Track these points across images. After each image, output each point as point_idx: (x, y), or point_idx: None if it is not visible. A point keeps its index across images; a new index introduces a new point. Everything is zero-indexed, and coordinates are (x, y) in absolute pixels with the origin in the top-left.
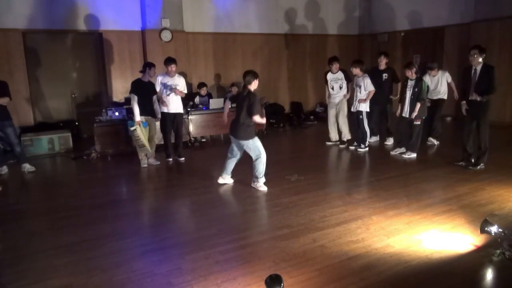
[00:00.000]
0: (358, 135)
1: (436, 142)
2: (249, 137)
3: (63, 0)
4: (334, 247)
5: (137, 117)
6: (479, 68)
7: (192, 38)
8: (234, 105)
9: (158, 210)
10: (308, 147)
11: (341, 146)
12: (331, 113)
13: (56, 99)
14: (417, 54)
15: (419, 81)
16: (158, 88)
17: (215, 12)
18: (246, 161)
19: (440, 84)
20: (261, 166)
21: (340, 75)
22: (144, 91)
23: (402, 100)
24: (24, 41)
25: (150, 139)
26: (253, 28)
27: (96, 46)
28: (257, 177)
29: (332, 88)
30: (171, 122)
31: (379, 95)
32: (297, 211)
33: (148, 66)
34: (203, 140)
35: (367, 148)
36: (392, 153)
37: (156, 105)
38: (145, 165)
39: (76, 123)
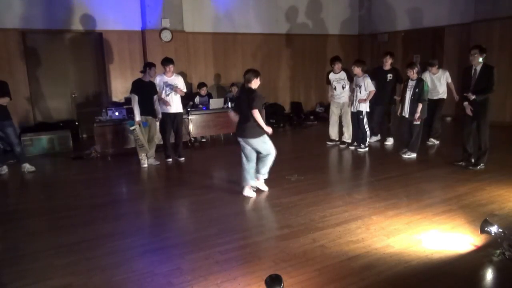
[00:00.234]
0: (358, 135)
1: (436, 142)
2: (259, 134)
3: (63, 0)
4: (334, 247)
5: (137, 116)
6: (479, 68)
7: (192, 38)
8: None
9: (158, 210)
10: (308, 147)
11: (341, 146)
12: (335, 112)
13: (56, 99)
14: (417, 54)
15: (419, 81)
16: (157, 89)
17: (215, 12)
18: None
19: (439, 83)
20: (269, 162)
21: (343, 75)
22: (145, 91)
23: (402, 100)
24: (24, 41)
25: (150, 139)
26: (253, 28)
27: (96, 46)
28: (261, 173)
29: (335, 89)
30: (171, 122)
31: (383, 95)
32: (297, 211)
33: (148, 66)
34: (203, 140)
35: (367, 148)
36: (405, 156)
37: (157, 105)
38: (145, 165)
39: (76, 123)
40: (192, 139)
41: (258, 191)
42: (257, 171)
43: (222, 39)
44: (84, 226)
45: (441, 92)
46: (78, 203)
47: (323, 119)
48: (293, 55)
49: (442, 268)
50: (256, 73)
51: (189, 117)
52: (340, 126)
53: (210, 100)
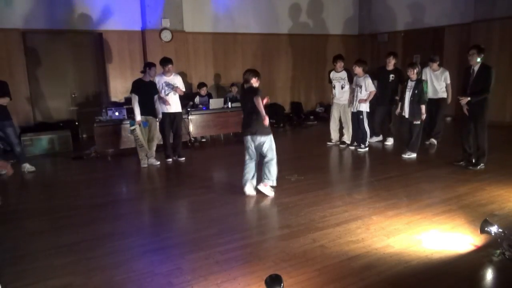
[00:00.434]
0: (358, 135)
1: (435, 142)
2: (268, 132)
3: (63, 0)
4: (334, 247)
5: (138, 116)
6: (477, 68)
7: (192, 38)
8: (234, 104)
9: (158, 210)
10: (308, 147)
11: (341, 146)
12: (335, 114)
13: (56, 99)
14: (417, 54)
15: (419, 83)
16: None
17: (215, 12)
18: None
19: (438, 82)
20: (274, 167)
21: (344, 74)
22: (145, 91)
23: (401, 100)
24: (24, 41)
25: (151, 139)
26: (253, 28)
27: (96, 46)
28: (268, 179)
29: (334, 88)
30: (171, 122)
31: (384, 95)
32: (297, 211)
33: (148, 66)
34: (203, 140)
35: (367, 148)
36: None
37: (157, 105)
38: (145, 165)
39: (76, 123)
40: (192, 139)
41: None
42: (264, 177)
43: (222, 39)
44: (84, 226)
45: (440, 90)
46: (78, 203)
47: (323, 119)
48: (293, 55)
49: (442, 268)
50: (255, 73)
51: (189, 117)
52: (340, 127)
53: (210, 100)
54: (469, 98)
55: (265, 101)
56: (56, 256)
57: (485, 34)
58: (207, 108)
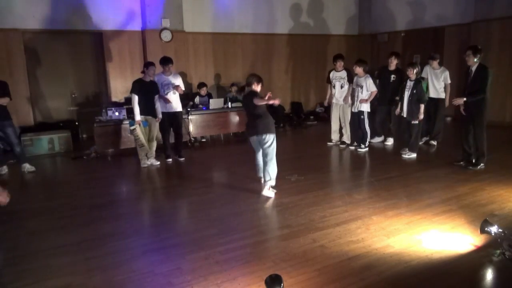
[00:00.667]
0: (358, 135)
1: (435, 143)
2: (272, 130)
3: (63, 0)
4: (334, 247)
5: (137, 116)
6: (474, 68)
7: (192, 38)
8: (234, 104)
9: (158, 210)
10: (308, 147)
11: (341, 146)
12: (335, 114)
13: (56, 99)
14: (417, 54)
15: (418, 83)
16: None
17: (215, 12)
18: (246, 162)
19: (437, 81)
20: (272, 168)
21: (344, 74)
22: (145, 91)
23: (400, 99)
24: (24, 41)
25: (151, 139)
26: (253, 28)
27: (96, 46)
28: (270, 179)
29: (334, 87)
30: (171, 122)
31: (385, 95)
32: (297, 211)
33: (146, 65)
34: (203, 140)
35: (367, 148)
36: (402, 154)
37: (157, 105)
38: (145, 165)
39: (76, 123)
40: (192, 139)
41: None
42: (266, 178)
43: (222, 39)
44: (84, 226)
45: (439, 90)
46: (78, 203)
47: (323, 119)
48: (293, 55)
49: (442, 268)
50: (258, 79)
51: (189, 117)
52: (340, 127)
53: (210, 100)
54: (464, 100)
55: (276, 101)
56: (56, 256)
57: (485, 34)
58: (207, 108)
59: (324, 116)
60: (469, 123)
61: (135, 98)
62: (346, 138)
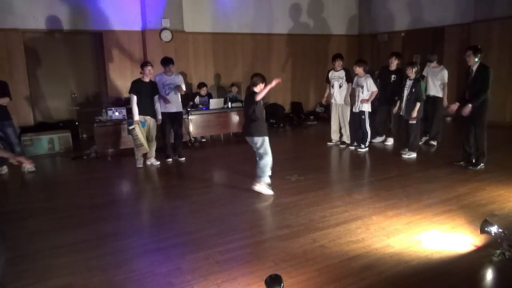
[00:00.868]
0: (358, 135)
1: (435, 143)
2: (262, 133)
3: (63, 0)
4: (334, 247)
5: (136, 116)
6: (475, 68)
7: (192, 38)
8: (234, 104)
9: (158, 210)
10: (308, 147)
11: (341, 146)
12: (334, 114)
13: (56, 99)
14: (417, 54)
15: (417, 82)
16: None
17: (215, 12)
18: (246, 162)
19: (435, 78)
20: (264, 166)
21: (342, 73)
22: (144, 91)
23: (399, 99)
24: (24, 41)
25: (150, 139)
26: (253, 28)
27: (96, 46)
28: (260, 177)
29: (333, 86)
30: (171, 122)
31: (386, 95)
32: (297, 211)
33: (141, 66)
34: (203, 140)
35: (367, 148)
36: (403, 153)
37: (157, 106)
38: (141, 165)
39: (76, 123)
40: (192, 139)
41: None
42: (257, 176)
43: (222, 39)
44: (84, 226)
45: (437, 88)
46: (78, 203)
47: (323, 119)
48: (293, 55)
49: (442, 268)
50: (262, 78)
51: (189, 117)
52: (340, 127)
53: (210, 100)
54: (470, 106)
55: (274, 82)
56: (56, 256)
57: (485, 34)
58: (207, 108)
59: (324, 116)
60: (470, 123)
61: (134, 98)
62: (346, 138)
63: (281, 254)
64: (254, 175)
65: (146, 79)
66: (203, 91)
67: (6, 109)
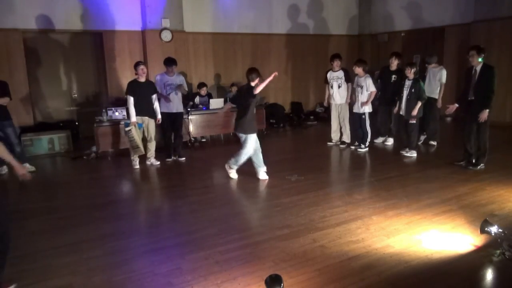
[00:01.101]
0: (358, 135)
1: (434, 143)
2: (249, 131)
3: (63, 0)
4: (334, 247)
5: (133, 117)
6: (479, 68)
7: (192, 38)
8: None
9: (158, 210)
10: (308, 147)
11: (341, 146)
12: (334, 114)
13: (56, 99)
14: (417, 54)
15: (416, 82)
16: (157, 88)
17: (215, 12)
18: (246, 162)
19: (434, 79)
20: (242, 158)
21: (341, 74)
22: (140, 92)
23: (399, 99)
24: (24, 41)
25: (149, 140)
26: (253, 28)
27: (96, 46)
28: (232, 163)
29: (332, 87)
30: (172, 122)
31: (387, 95)
32: (297, 211)
33: (134, 66)
34: (203, 140)
35: (367, 148)
36: (403, 153)
37: (156, 105)
38: (137, 167)
39: (76, 123)
40: (192, 139)
41: (257, 191)
42: (229, 160)
43: (222, 39)
44: (84, 226)
45: (434, 88)
46: (78, 203)
47: (323, 119)
48: (293, 55)
49: (442, 268)
50: (258, 73)
51: (189, 117)
52: (340, 126)
53: (210, 100)
54: (487, 111)
55: (272, 76)
56: (56, 256)
57: (485, 34)
58: (207, 108)
59: (324, 116)
60: (472, 122)
61: (130, 100)
62: (346, 138)
63: (281, 254)
64: (254, 175)
65: (142, 79)
66: (203, 91)
67: (6, 109)
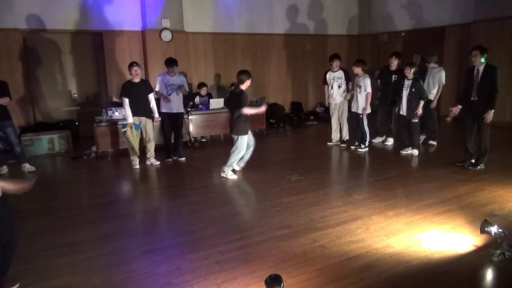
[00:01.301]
0: (358, 134)
1: (434, 143)
2: (240, 132)
3: (63, 0)
4: (334, 247)
5: (129, 119)
6: (481, 68)
7: (192, 38)
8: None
9: (158, 210)
10: (308, 147)
11: (341, 145)
12: (334, 114)
13: (56, 99)
14: (417, 54)
15: (416, 81)
16: (158, 88)
17: (215, 12)
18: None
19: (433, 81)
20: (234, 158)
21: (340, 74)
22: (135, 92)
23: (399, 99)
24: (24, 41)
25: (148, 140)
26: (253, 28)
27: (96, 46)
28: (226, 166)
29: (332, 87)
30: (172, 122)
31: (387, 95)
32: (297, 211)
33: (128, 67)
34: (203, 140)
35: (367, 148)
36: (403, 152)
37: (152, 104)
38: (137, 166)
39: (76, 123)
40: (192, 139)
41: (257, 191)
42: (225, 162)
43: (222, 39)
44: (84, 226)
45: (431, 89)
46: (78, 203)
47: (323, 119)
48: (293, 55)
49: (442, 268)
50: (248, 75)
51: (189, 117)
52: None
53: (210, 100)
54: (493, 111)
55: (262, 108)
56: (56, 256)
57: (485, 34)
58: (207, 108)
59: (324, 116)
60: (474, 123)
61: (126, 101)
62: (345, 134)
63: (281, 254)
64: (254, 175)
65: (136, 80)
66: (203, 91)
67: (6, 109)
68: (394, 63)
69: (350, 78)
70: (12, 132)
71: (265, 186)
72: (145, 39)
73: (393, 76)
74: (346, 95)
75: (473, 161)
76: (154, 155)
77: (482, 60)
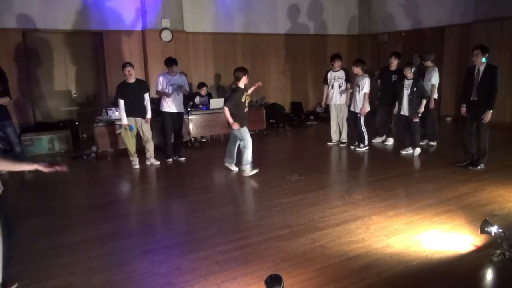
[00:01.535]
0: (357, 134)
1: (434, 144)
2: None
3: (63, 0)
4: (334, 247)
5: (124, 120)
6: (482, 68)
7: (192, 38)
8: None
9: (158, 210)
10: (308, 147)
11: (341, 145)
12: (334, 114)
13: (56, 99)
14: (417, 54)
15: (417, 81)
16: (159, 88)
17: (215, 12)
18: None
19: (428, 80)
20: (246, 153)
21: (342, 74)
22: (130, 93)
23: (399, 99)
24: (24, 41)
25: (146, 140)
26: (253, 28)
27: (96, 46)
28: (243, 164)
29: (332, 87)
30: (173, 122)
31: (387, 95)
32: (297, 211)
33: (122, 67)
34: (203, 140)
35: (366, 148)
36: (403, 152)
37: (147, 103)
38: (137, 166)
39: (76, 123)
40: (192, 139)
41: (257, 191)
42: (241, 162)
43: (222, 39)
44: (84, 226)
45: (428, 88)
46: (78, 203)
47: (323, 119)
48: (293, 55)
49: (442, 268)
50: (244, 71)
51: (189, 117)
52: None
53: (210, 100)
54: (491, 112)
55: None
56: (56, 256)
57: (485, 34)
58: (207, 108)
59: (324, 116)
60: (473, 123)
61: (121, 103)
62: (344, 136)
63: (281, 254)
64: (253, 175)
65: (131, 80)
66: (203, 91)
67: (6, 108)
68: (394, 63)
69: (350, 79)
70: (12, 132)
71: (265, 186)
72: (145, 39)
73: (393, 76)
74: (346, 100)
75: (473, 161)
76: (153, 155)
77: (483, 59)
